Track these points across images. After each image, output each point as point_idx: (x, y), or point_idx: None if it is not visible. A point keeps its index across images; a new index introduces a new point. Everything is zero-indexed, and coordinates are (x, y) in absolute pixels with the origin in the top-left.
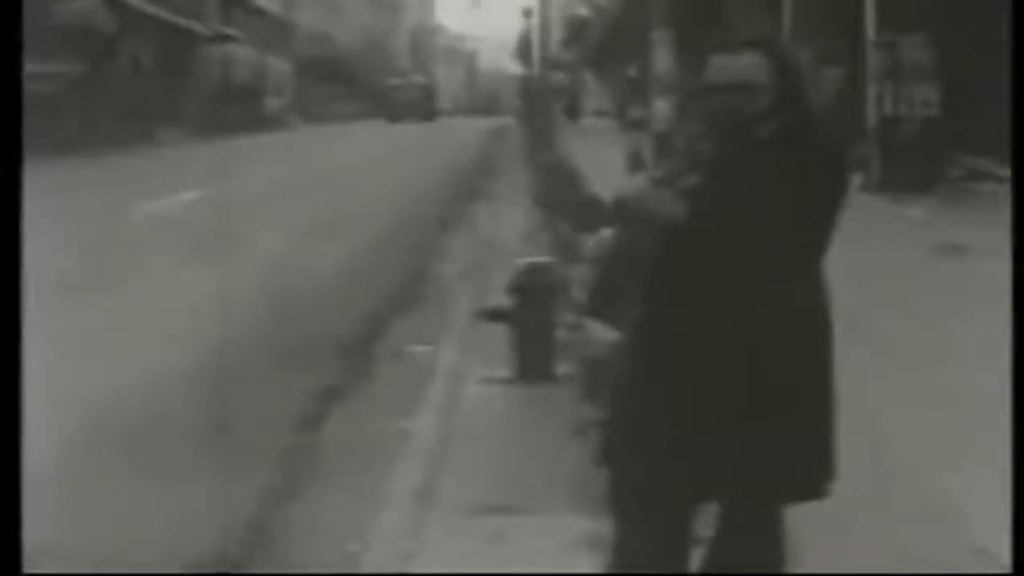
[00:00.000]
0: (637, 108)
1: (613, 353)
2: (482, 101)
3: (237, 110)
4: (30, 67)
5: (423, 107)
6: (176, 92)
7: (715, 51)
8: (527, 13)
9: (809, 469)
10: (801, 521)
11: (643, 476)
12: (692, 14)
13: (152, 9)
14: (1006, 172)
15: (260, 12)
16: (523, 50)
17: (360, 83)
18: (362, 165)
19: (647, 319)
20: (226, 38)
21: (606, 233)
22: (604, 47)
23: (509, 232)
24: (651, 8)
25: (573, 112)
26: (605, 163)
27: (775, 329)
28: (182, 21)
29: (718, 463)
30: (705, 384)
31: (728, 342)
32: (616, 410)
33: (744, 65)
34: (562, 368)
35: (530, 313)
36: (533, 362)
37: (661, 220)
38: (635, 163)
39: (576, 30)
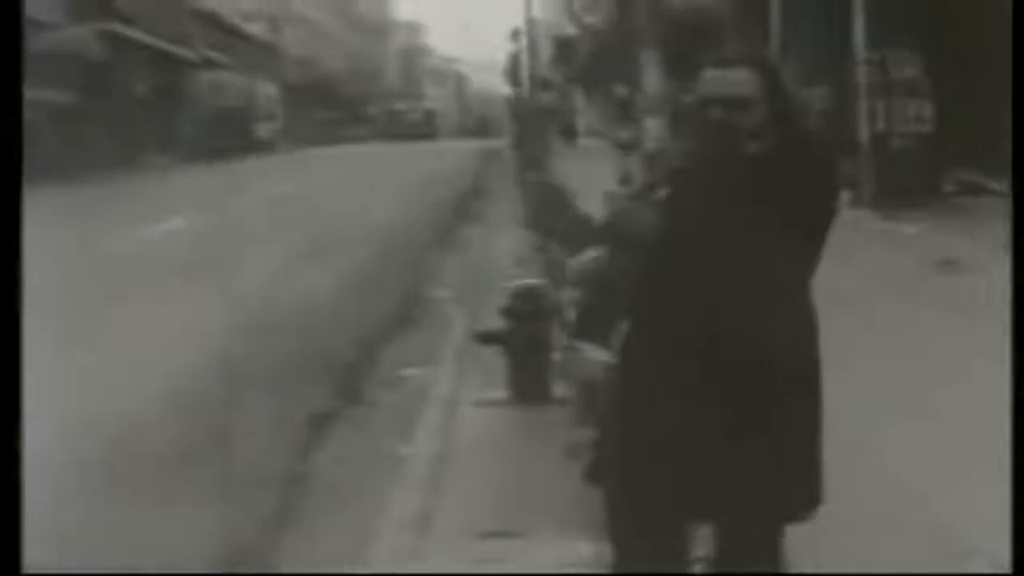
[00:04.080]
0: (627, 128)
1: (605, 374)
2: (474, 123)
3: (227, 135)
4: None
5: (423, 129)
6: (165, 118)
7: (708, 66)
8: (516, 34)
9: (797, 491)
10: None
11: (632, 497)
12: (680, 34)
13: (141, 37)
14: (998, 186)
15: (247, 37)
16: (513, 71)
17: (350, 106)
18: (353, 189)
19: (633, 339)
20: (214, 64)
21: (589, 254)
22: (592, 67)
23: (502, 254)
24: (638, 28)
25: (570, 133)
26: (600, 183)
27: (763, 348)
28: (170, 48)
29: (707, 484)
30: (692, 404)
31: (716, 362)
32: (604, 431)
33: (737, 79)
34: (558, 390)
35: (524, 335)
36: (528, 384)
37: (639, 236)
38: (626, 183)
39: (564, 50)
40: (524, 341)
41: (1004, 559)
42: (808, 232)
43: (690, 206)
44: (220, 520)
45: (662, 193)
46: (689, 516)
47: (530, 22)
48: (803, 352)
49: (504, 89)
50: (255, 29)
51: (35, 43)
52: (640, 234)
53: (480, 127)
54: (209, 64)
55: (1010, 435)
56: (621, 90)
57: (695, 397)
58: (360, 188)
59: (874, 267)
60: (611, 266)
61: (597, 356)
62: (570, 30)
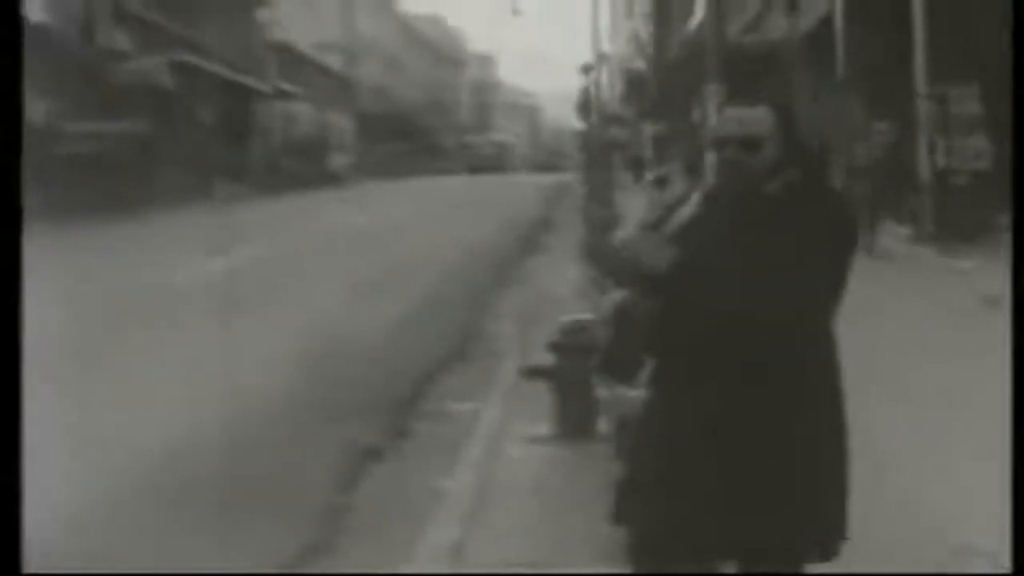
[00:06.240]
0: (693, 161)
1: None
2: (545, 157)
3: (299, 166)
4: (91, 126)
5: (495, 162)
6: (237, 149)
7: (726, 105)
8: (586, 68)
9: (823, 530)
10: None
11: (655, 536)
12: (745, 68)
13: (213, 67)
14: None
15: (322, 69)
16: (584, 105)
17: (423, 139)
18: (422, 221)
19: (655, 377)
20: (287, 95)
21: (617, 292)
22: (660, 102)
23: (564, 288)
24: (705, 62)
25: (637, 167)
26: None
27: (785, 388)
28: (243, 78)
29: (729, 524)
30: (715, 442)
31: (737, 401)
32: (630, 469)
33: (751, 118)
34: (604, 426)
35: (570, 371)
36: (573, 420)
37: (649, 268)
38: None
39: (634, 84)
40: (570, 377)
41: None
42: (827, 267)
43: (708, 242)
44: (257, 547)
45: (673, 224)
46: (712, 555)
47: (601, 57)
48: (826, 387)
49: (576, 122)
50: (329, 60)
51: (108, 73)
52: (651, 266)
53: (551, 160)
54: (282, 95)
55: (1010, 435)
56: (687, 124)
57: (718, 435)
58: (428, 221)
59: (921, 299)
60: (631, 302)
61: (631, 394)
62: (640, 64)
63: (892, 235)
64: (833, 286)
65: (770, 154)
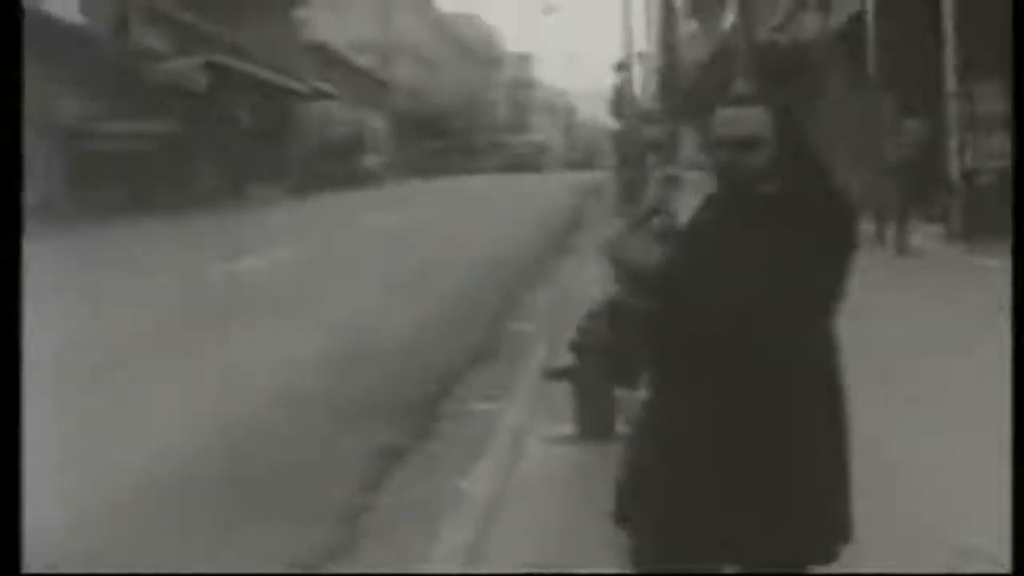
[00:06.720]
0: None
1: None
2: (580, 155)
3: (334, 167)
4: (126, 126)
5: (530, 161)
6: (272, 150)
7: (721, 106)
8: (621, 66)
9: (824, 531)
10: None
11: (656, 536)
12: (776, 67)
13: (248, 67)
14: None
15: (357, 69)
16: (618, 103)
17: (458, 138)
18: (454, 221)
19: (654, 377)
20: (323, 95)
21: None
22: (693, 99)
23: (593, 288)
24: (736, 61)
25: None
26: None
27: (784, 389)
28: (278, 79)
29: (731, 525)
30: (715, 443)
31: (737, 403)
32: (631, 469)
33: (747, 118)
34: (623, 426)
35: (590, 371)
36: (594, 420)
37: (634, 269)
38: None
39: (668, 83)
40: (591, 377)
41: None
42: (825, 267)
43: (707, 243)
44: (275, 546)
45: (674, 224)
46: (713, 556)
47: (635, 55)
48: (826, 388)
49: (610, 120)
50: (365, 61)
51: (142, 74)
52: (638, 267)
53: (586, 159)
54: (318, 95)
55: (1010, 435)
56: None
57: (717, 435)
58: (461, 220)
59: (944, 296)
60: (622, 300)
61: (641, 395)
62: (673, 62)
63: (922, 233)
64: (832, 286)
65: (767, 154)
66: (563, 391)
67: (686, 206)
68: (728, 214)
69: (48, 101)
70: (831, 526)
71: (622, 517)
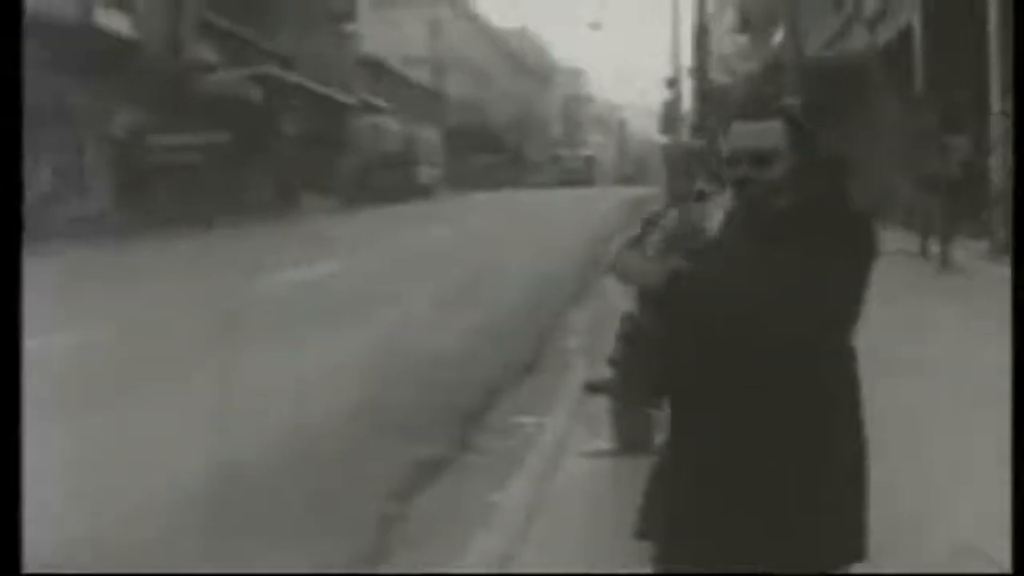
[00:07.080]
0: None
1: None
2: (631, 169)
3: (387, 179)
4: (180, 139)
5: (582, 176)
6: (325, 162)
7: (736, 119)
8: (671, 82)
9: (838, 545)
10: None
11: (677, 550)
12: (823, 84)
13: (300, 80)
14: None
15: (410, 83)
16: (667, 118)
17: (511, 152)
18: (506, 236)
19: (672, 394)
20: (375, 108)
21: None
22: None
23: None
24: (784, 77)
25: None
26: None
27: (801, 404)
28: (330, 92)
29: (749, 538)
30: (732, 458)
31: (754, 418)
32: (652, 484)
33: (763, 132)
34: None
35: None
36: (631, 434)
37: (637, 285)
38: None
39: (718, 97)
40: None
41: None
42: (842, 282)
43: (723, 258)
44: (309, 556)
45: (658, 238)
46: (732, 569)
47: (687, 70)
48: (844, 402)
49: (660, 135)
50: (417, 74)
51: (194, 86)
52: (643, 284)
53: (638, 173)
54: (370, 108)
55: (1010, 435)
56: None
57: (735, 451)
58: (513, 235)
59: (976, 308)
60: (634, 317)
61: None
62: (723, 77)
63: (967, 249)
64: (849, 301)
65: (783, 168)
66: (604, 405)
67: (714, 221)
68: (744, 228)
69: (103, 115)
70: (844, 542)
71: (642, 532)
